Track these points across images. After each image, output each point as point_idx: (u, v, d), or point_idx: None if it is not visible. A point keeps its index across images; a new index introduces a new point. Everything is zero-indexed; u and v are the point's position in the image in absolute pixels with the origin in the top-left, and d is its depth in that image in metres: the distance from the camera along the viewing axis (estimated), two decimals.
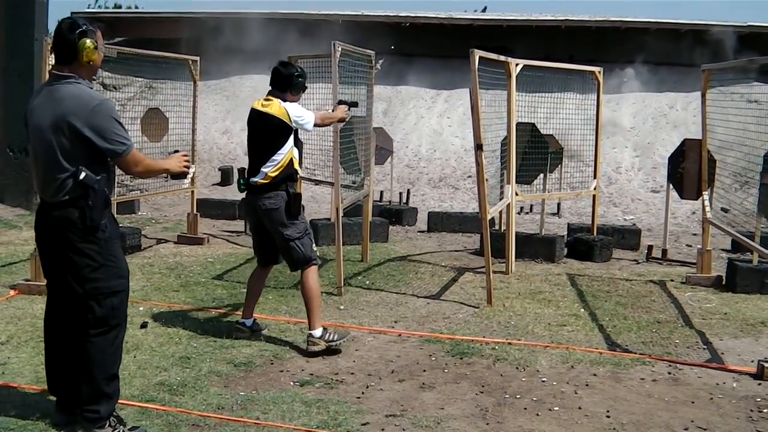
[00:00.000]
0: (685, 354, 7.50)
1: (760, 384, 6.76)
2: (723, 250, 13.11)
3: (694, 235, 14.43)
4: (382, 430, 5.51)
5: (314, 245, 7.43)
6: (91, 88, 5.03)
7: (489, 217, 9.14)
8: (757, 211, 10.25)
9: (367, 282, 9.98)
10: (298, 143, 7.59)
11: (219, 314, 8.30)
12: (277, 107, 7.15)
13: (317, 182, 11.93)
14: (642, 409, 6.07)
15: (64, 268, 5.01)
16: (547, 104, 12.44)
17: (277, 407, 5.79)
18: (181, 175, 5.60)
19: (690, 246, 13.60)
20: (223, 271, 10.38)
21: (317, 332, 7.11)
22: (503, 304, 9.04)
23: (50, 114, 4.86)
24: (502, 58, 10.09)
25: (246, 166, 7.36)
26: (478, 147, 8.82)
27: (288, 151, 7.18)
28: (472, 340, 7.56)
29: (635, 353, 7.42)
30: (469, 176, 18.64)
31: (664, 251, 12.34)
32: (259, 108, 7.23)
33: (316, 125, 7.50)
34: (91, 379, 5.04)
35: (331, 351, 7.11)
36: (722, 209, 12.79)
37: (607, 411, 6.00)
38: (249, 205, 7.39)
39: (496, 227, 12.60)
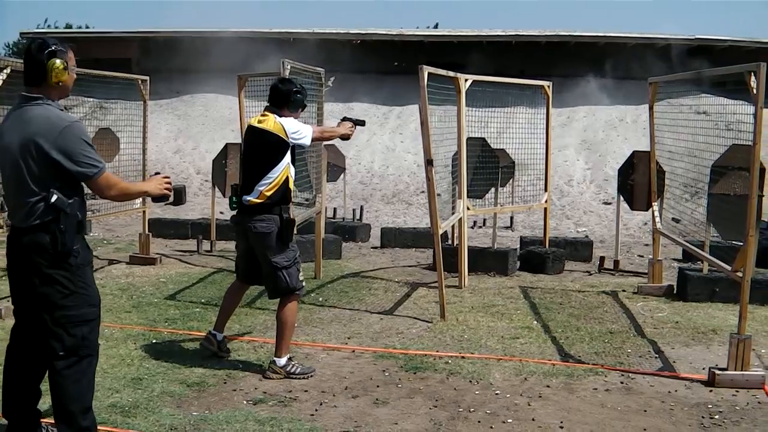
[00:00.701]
0: (638, 363, 7.56)
1: (711, 391, 6.83)
2: (674, 259, 13.25)
3: (646, 245, 14.56)
4: None
5: (301, 275, 7.17)
6: (62, 110, 4.87)
7: (441, 231, 9.16)
8: (706, 221, 10.37)
9: (321, 299, 9.95)
10: (294, 161, 7.31)
11: (171, 335, 8.23)
12: (272, 123, 6.96)
13: None
14: (595, 419, 6.10)
15: (33, 294, 4.82)
16: (499, 119, 12.50)
17: (230, 426, 5.75)
18: (162, 198, 5.30)
19: (642, 256, 13.73)
20: (175, 291, 10.31)
21: (281, 361, 6.98)
22: (456, 318, 9.05)
23: (18, 136, 4.71)
24: (452, 74, 10.14)
25: (238, 183, 7.19)
26: (429, 162, 8.84)
27: (284, 168, 6.97)
28: (426, 355, 7.56)
29: (588, 364, 7.46)
30: (422, 192, 18.69)
31: (616, 262, 12.44)
32: (255, 124, 7.05)
33: (314, 140, 7.32)
34: (68, 415, 4.87)
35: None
36: (673, 219, 12.93)
37: (561, 422, 6.02)
38: (239, 225, 7.13)
39: (449, 242, 12.63)
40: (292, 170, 7.12)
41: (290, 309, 7.05)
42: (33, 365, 5.05)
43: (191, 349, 7.64)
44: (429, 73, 8.94)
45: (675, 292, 10.55)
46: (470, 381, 6.91)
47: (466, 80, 10.54)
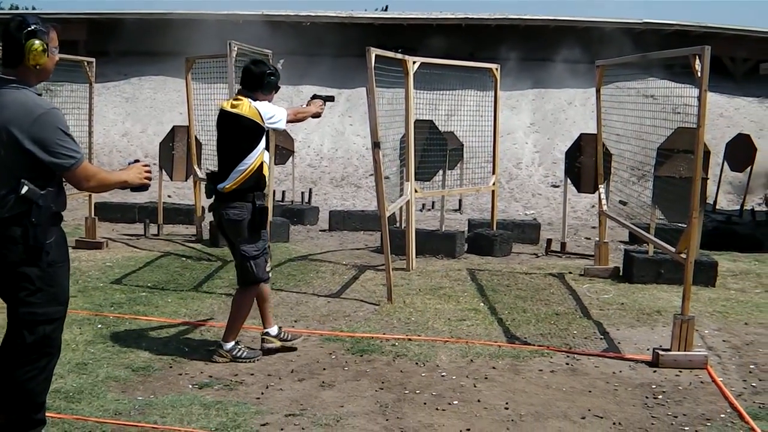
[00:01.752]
0: (583, 344, 7.62)
1: (655, 371, 6.90)
2: (621, 242, 13.38)
3: (593, 228, 14.65)
4: (282, 429, 5.48)
5: (269, 265, 7.07)
6: (39, 95, 4.60)
7: (388, 214, 9.17)
8: (652, 203, 10.45)
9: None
10: (269, 147, 7.16)
11: (117, 319, 8.15)
12: (247, 107, 6.75)
13: None
14: (540, 400, 6.14)
15: (2, 288, 4.64)
16: (449, 102, 12.53)
17: (175, 411, 5.72)
18: (142, 188, 5.03)
19: (589, 239, 13.84)
20: (121, 275, 10.22)
21: (228, 345, 6.93)
22: (404, 301, 9.06)
23: None
24: (399, 56, 10.12)
25: (215, 170, 7.03)
26: (376, 145, 8.83)
27: (259, 154, 6.81)
28: (373, 338, 7.56)
29: (534, 345, 7.51)
30: (371, 175, 18.67)
31: (563, 244, 12.51)
32: (228, 109, 6.85)
33: (288, 122, 7.13)
34: (19, 409, 4.73)
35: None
36: (620, 202, 13.02)
37: (506, 403, 6.05)
38: (215, 212, 7.00)
39: (397, 225, 12.64)
40: (267, 156, 6.97)
41: (248, 297, 6.99)
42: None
43: (137, 333, 7.59)
44: (377, 56, 8.92)
45: (621, 273, 10.64)
46: (416, 363, 6.92)
47: (414, 62, 10.52)
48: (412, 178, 10.76)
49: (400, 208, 11.50)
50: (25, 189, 4.44)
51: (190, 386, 6.28)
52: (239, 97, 6.88)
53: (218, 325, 7.90)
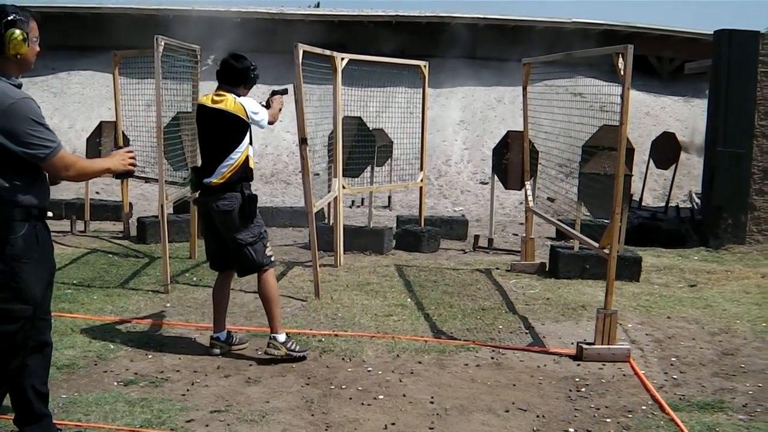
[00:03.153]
0: (509, 339, 7.70)
1: (579, 365, 7.01)
2: (548, 238, 13.51)
3: (521, 224, 14.74)
4: (207, 426, 5.47)
5: (268, 249, 7.00)
6: (16, 86, 4.46)
7: (315, 210, 9.16)
8: (577, 200, 10.58)
9: (195, 279, 9.87)
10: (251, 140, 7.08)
11: None
12: (232, 103, 6.75)
13: (146, 179, 11.79)
14: (465, 394, 6.20)
15: None
16: (379, 99, 12.54)
17: (99, 408, 5.67)
18: (126, 174, 4.91)
19: (516, 235, 13.96)
20: None
21: (281, 337, 6.88)
22: (331, 297, 9.08)
23: None
24: (327, 52, 10.12)
25: (198, 165, 6.94)
26: (303, 141, 8.83)
27: (245, 149, 6.80)
28: (299, 333, 7.56)
29: (460, 340, 7.57)
30: (301, 171, 18.66)
31: (491, 240, 12.61)
32: (210, 104, 6.80)
33: (269, 123, 7.16)
34: None
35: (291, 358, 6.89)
36: (548, 199, 13.16)
37: (432, 397, 6.10)
38: (203, 207, 6.94)
39: (326, 221, 12.65)
40: (251, 150, 6.96)
41: (269, 284, 6.94)
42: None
43: (61, 331, 7.48)
44: (305, 52, 8.91)
45: (547, 269, 10.76)
46: (343, 358, 6.95)
47: (342, 59, 10.53)
48: (340, 174, 10.77)
49: (329, 204, 11.51)
50: None
51: (115, 383, 6.23)
52: (221, 92, 6.83)
53: (144, 322, 7.86)
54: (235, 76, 6.88)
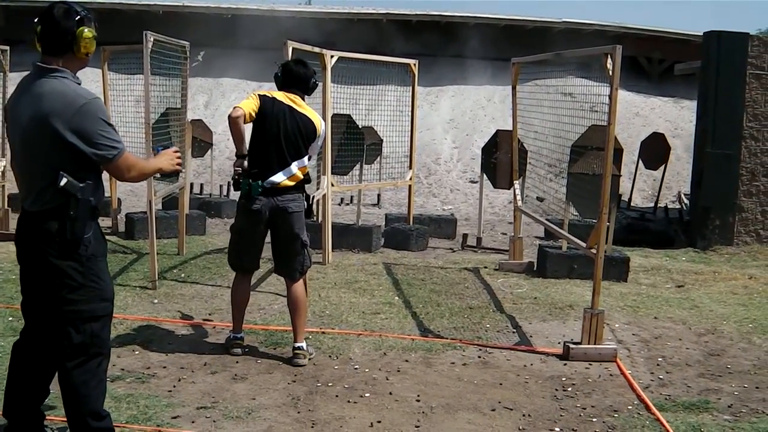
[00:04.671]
0: (496, 338, 7.71)
1: (565, 364, 7.03)
2: (537, 237, 13.54)
3: (510, 223, 14.77)
4: (193, 422, 5.46)
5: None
6: (79, 84, 4.43)
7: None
8: (566, 200, 10.60)
9: (183, 275, 9.86)
10: None
11: None
12: (314, 115, 6.93)
13: None
14: (451, 393, 6.20)
15: (39, 286, 4.46)
16: (369, 97, 12.54)
17: None
18: (173, 174, 4.91)
19: (505, 234, 13.98)
20: None
21: (305, 344, 6.86)
22: (319, 294, 9.07)
23: (30, 111, 4.29)
24: (317, 49, 10.11)
25: (248, 166, 6.82)
26: None
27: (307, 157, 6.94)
28: (286, 330, 7.52)
29: (447, 339, 7.58)
30: None
31: (479, 239, 12.62)
32: (294, 105, 6.82)
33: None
34: (78, 418, 4.57)
35: None
36: (538, 198, 13.16)
37: (418, 395, 6.11)
38: (264, 207, 6.73)
39: (314, 218, 12.62)
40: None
41: (303, 290, 7.02)
42: (40, 364, 4.71)
43: None
44: (294, 48, 8.91)
45: (535, 268, 10.77)
46: (330, 356, 6.95)
47: (332, 56, 10.53)
48: (329, 171, 10.77)
49: (317, 202, 11.50)
50: (63, 181, 4.27)
51: None
52: (297, 97, 6.94)
53: (132, 318, 7.84)
54: (304, 83, 7.00)
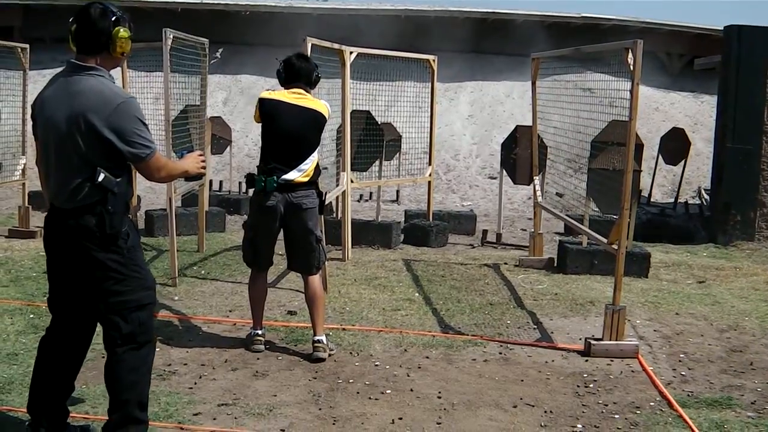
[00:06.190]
0: (516, 334, 7.69)
1: (587, 360, 7.00)
2: (557, 233, 13.49)
3: (529, 219, 14.76)
4: (214, 419, 5.46)
5: None
6: (114, 83, 4.53)
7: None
8: (586, 195, 10.56)
9: (203, 272, 9.87)
10: None
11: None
12: (320, 104, 6.92)
13: None
14: (473, 389, 6.19)
15: (82, 282, 4.56)
16: (388, 93, 12.53)
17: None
18: (198, 177, 5.08)
19: (524, 230, 13.94)
20: None
21: (325, 338, 6.88)
22: (339, 291, 9.07)
23: (66, 108, 4.35)
24: (336, 46, 10.10)
25: (261, 164, 6.87)
26: None
27: (318, 146, 6.98)
28: (307, 327, 7.51)
29: (467, 335, 7.56)
30: None
31: (499, 235, 12.59)
32: (299, 103, 6.81)
33: None
34: (122, 404, 4.66)
35: None
36: (557, 194, 13.13)
37: (439, 392, 6.09)
38: (279, 203, 6.74)
39: (334, 215, 12.63)
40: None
41: (320, 284, 7.06)
42: (67, 359, 4.82)
43: None
44: (313, 45, 8.90)
45: (555, 264, 10.73)
46: (350, 353, 6.94)
47: (351, 53, 10.51)
48: (348, 168, 10.76)
49: (337, 198, 11.50)
50: (101, 177, 4.37)
51: None
52: (301, 91, 6.92)
53: (155, 315, 7.83)
54: (309, 75, 6.97)
